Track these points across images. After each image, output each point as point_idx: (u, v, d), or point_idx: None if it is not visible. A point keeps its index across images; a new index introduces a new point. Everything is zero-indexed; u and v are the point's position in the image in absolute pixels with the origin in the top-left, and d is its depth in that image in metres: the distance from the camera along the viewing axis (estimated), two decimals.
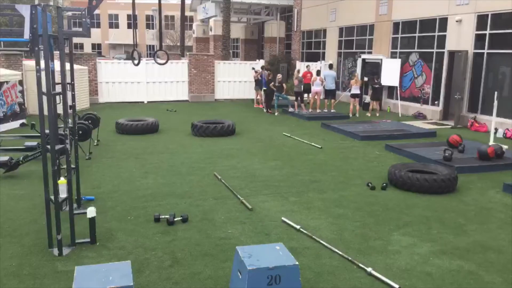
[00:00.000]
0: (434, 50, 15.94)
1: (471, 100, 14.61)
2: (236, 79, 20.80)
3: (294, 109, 16.61)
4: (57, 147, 5.14)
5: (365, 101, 18.42)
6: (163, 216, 6.17)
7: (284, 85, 17.00)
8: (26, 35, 4.82)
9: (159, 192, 7.46)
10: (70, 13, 6.29)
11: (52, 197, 5.12)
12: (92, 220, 5.32)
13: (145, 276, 4.68)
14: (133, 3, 7.81)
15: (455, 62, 15.32)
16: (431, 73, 16.19)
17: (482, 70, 14.10)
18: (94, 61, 18.89)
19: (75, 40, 43.00)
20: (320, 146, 10.99)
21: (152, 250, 5.29)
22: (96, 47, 52.57)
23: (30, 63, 15.19)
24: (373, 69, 18.42)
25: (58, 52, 5.19)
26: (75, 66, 15.58)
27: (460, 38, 14.69)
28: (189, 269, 4.85)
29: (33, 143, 9.27)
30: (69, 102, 5.93)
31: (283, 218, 6.29)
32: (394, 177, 7.81)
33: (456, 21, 14.68)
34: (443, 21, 15.39)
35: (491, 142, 10.22)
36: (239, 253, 4.14)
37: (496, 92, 11.05)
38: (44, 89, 4.94)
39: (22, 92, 14.02)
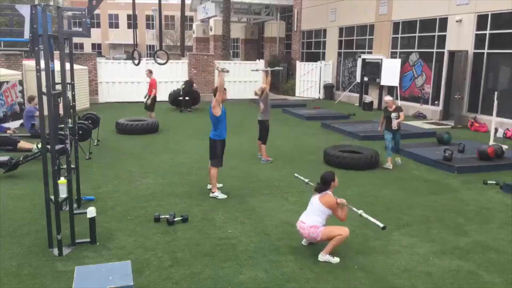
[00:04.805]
0: (434, 50, 15.94)
1: (471, 100, 14.61)
2: (236, 79, 20.78)
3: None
4: (57, 147, 5.14)
5: (365, 101, 18.42)
6: (163, 216, 6.17)
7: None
8: (26, 35, 4.82)
9: (159, 192, 7.45)
10: (70, 13, 6.27)
11: (52, 197, 5.12)
12: (92, 220, 5.32)
13: (145, 276, 4.68)
14: (133, 3, 7.80)
15: (455, 62, 15.32)
16: (431, 73, 16.19)
17: (482, 70, 14.09)
18: (94, 61, 18.88)
19: (75, 40, 42.98)
20: None
21: (152, 250, 5.29)
22: (96, 47, 52.55)
23: (30, 63, 15.16)
24: (373, 69, 18.43)
25: (58, 52, 5.19)
26: (75, 66, 15.57)
27: (460, 38, 14.68)
28: (189, 269, 4.84)
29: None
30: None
31: (283, 218, 6.29)
32: (328, 156, 9.33)
33: (456, 21, 14.67)
34: (443, 21, 15.39)
35: (491, 142, 10.21)
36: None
37: (496, 92, 11.04)
38: (44, 89, 4.94)
39: (22, 92, 14.02)
